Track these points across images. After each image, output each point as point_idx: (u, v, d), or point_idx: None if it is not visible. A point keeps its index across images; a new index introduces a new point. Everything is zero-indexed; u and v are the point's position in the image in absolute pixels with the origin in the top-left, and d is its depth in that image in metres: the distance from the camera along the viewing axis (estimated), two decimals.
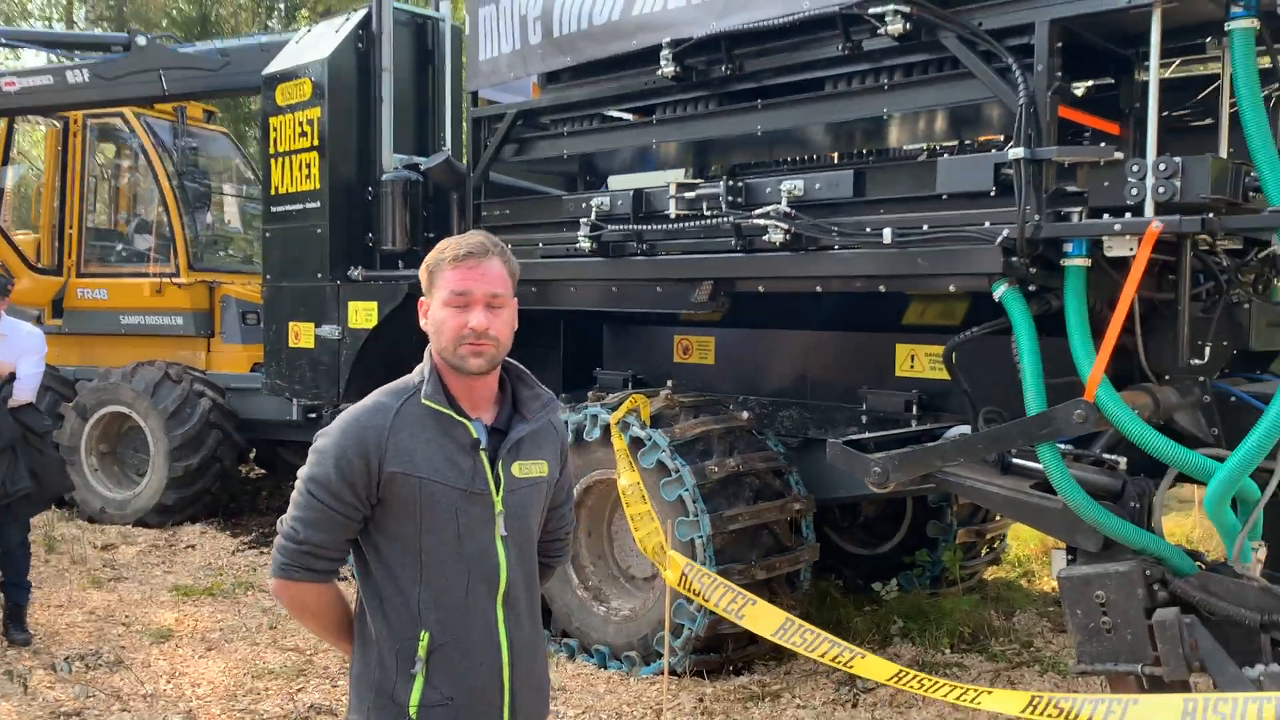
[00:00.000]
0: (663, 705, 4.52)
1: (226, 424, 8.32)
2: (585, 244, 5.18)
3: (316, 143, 6.85)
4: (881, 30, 4.11)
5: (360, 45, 6.88)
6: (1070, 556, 4.09)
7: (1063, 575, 3.98)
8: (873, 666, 3.06)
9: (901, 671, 3.04)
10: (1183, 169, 3.55)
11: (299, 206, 6.98)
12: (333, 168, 6.81)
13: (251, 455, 10.11)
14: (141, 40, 8.16)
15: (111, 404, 8.33)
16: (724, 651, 4.99)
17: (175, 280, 8.86)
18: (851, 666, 3.13)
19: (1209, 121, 4.43)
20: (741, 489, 4.95)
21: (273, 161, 7.17)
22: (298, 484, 2.11)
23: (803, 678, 4.97)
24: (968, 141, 4.84)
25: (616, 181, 5.88)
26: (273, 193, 7.19)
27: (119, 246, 9.49)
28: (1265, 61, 3.85)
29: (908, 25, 4.05)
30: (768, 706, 4.59)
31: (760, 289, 4.85)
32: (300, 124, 6.94)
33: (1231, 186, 3.66)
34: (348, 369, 6.78)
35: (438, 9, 7.31)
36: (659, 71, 4.84)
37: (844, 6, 4.20)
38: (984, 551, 6.72)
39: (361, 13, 6.97)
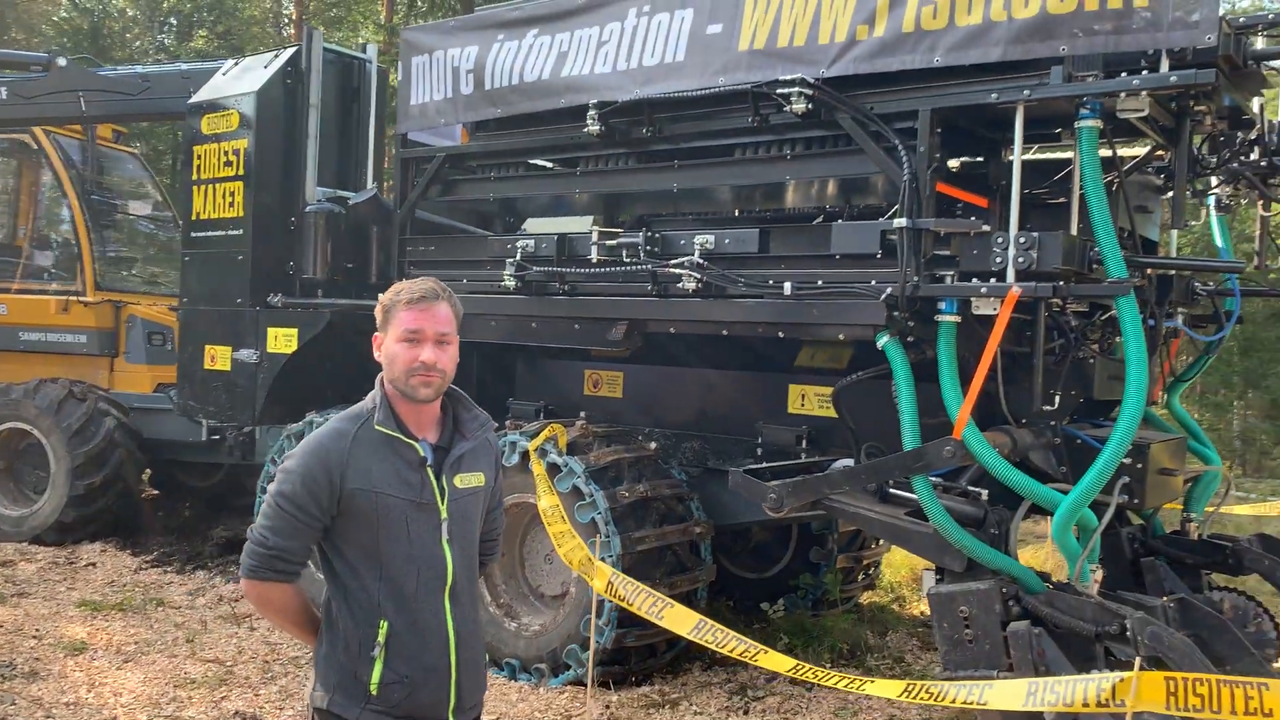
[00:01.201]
0: (589, 708, 4.90)
1: (130, 443, 8.36)
2: (510, 282, 5.58)
3: (242, 172, 7.09)
4: (786, 107, 4.65)
5: (289, 81, 7.16)
6: (939, 576, 4.64)
7: (932, 592, 4.53)
8: (774, 660, 3.53)
9: (798, 665, 3.52)
10: (1039, 242, 4.17)
11: (221, 233, 7.19)
12: (257, 197, 7.06)
13: (146, 476, 10.09)
14: (62, 61, 8.25)
15: (11, 420, 8.29)
16: (628, 664, 5.40)
17: (81, 299, 8.88)
18: (757, 660, 3.59)
19: (1063, 200, 5.10)
20: (649, 513, 5.39)
21: (195, 188, 7.37)
22: (267, 498, 2.45)
23: (698, 688, 5.41)
24: (857, 206, 5.42)
25: (533, 224, 6.32)
26: (194, 218, 7.38)
27: (23, 262, 9.43)
28: (1107, 151, 4.53)
29: (809, 105, 4.61)
30: (668, 712, 5.02)
31: (671, 330, 5.33)
32: (226, 153, 7.17)
33: (1079, 258, 4.30)
34: (264, 392, 7.00)
35: (364, 51, 7.64)
36: (585, 129, 5.29)
37: (754, 85, 4.74)
38: (861, 576, 7.31)
39: (291, 50, 7.26)
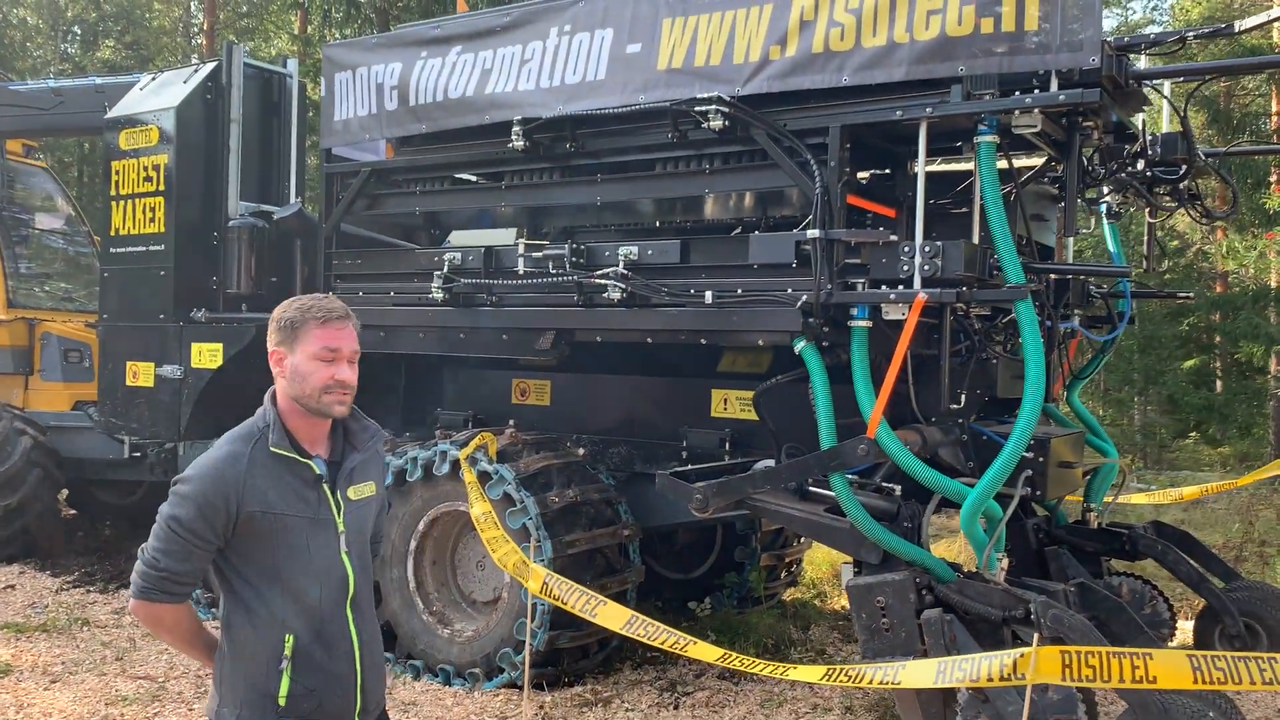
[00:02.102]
0: (524, 709, 5.02)
1: (47, 462, 8.24)
2: (438, 294, 5.68)
3: (162, 187, 7.06)
4: (704, 124, 4.85)
5: (209, 96, 7.16)
6: (856, 569, 4.87)
7: (850, 584, 4.75)
8: (703, 650, 3.71)
9: (726, 654, 3.70)
10: (943, 251, 4.43)
11: (142, 248, 7.16)
12: (179, 212, 7.04)
13: (63, 495, 9.91)
14: None
15: None
16: (561, 665, 5.53)
17: None
18: (687, 650, 3.76)
19: (965, 210, 5.38)
20: (579, 517, 5.54)
21: (114, 204, 7.32)
22: (159, 520, 2.46)
23: (629, 686, 5.57)
24: (773, 218, 5.65)
25: (458, 237, 6.41)
26: (113, 233, 7.32)
27: None
28: (1005, 163, 4.82)
29: (726, 122, 4.81)
30: (600, 710, 5.17)
31: (598, 339, 5.49)
32: (145, 169, 7.14)
33: (980, 265, 4.57)
34: (189, 408, 6.98)
35: (285, 65, 7.66)
36: (510, 144, 5.43)
37: (673, 102, 4.93)
38: (784, 574, 7.55)
39: (210, 65, 7.26)
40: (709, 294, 4.92)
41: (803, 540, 7.74)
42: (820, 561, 8.28)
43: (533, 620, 5.26)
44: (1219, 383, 20.58)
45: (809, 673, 3.63)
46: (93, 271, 9.95)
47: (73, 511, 10.07)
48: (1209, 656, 2.87)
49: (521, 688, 5.36)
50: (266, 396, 2.58)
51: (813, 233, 4.58)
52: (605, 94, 5.17)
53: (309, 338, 2.49)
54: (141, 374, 7.21)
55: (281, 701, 2.46)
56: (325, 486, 2.55)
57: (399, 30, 6.36)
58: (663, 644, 3.78)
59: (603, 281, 5.12)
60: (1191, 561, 5.83)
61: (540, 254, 5.41)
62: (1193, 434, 20.59)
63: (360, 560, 2.61)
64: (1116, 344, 6.44)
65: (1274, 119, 16.28)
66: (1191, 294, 6.84)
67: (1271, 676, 2.81)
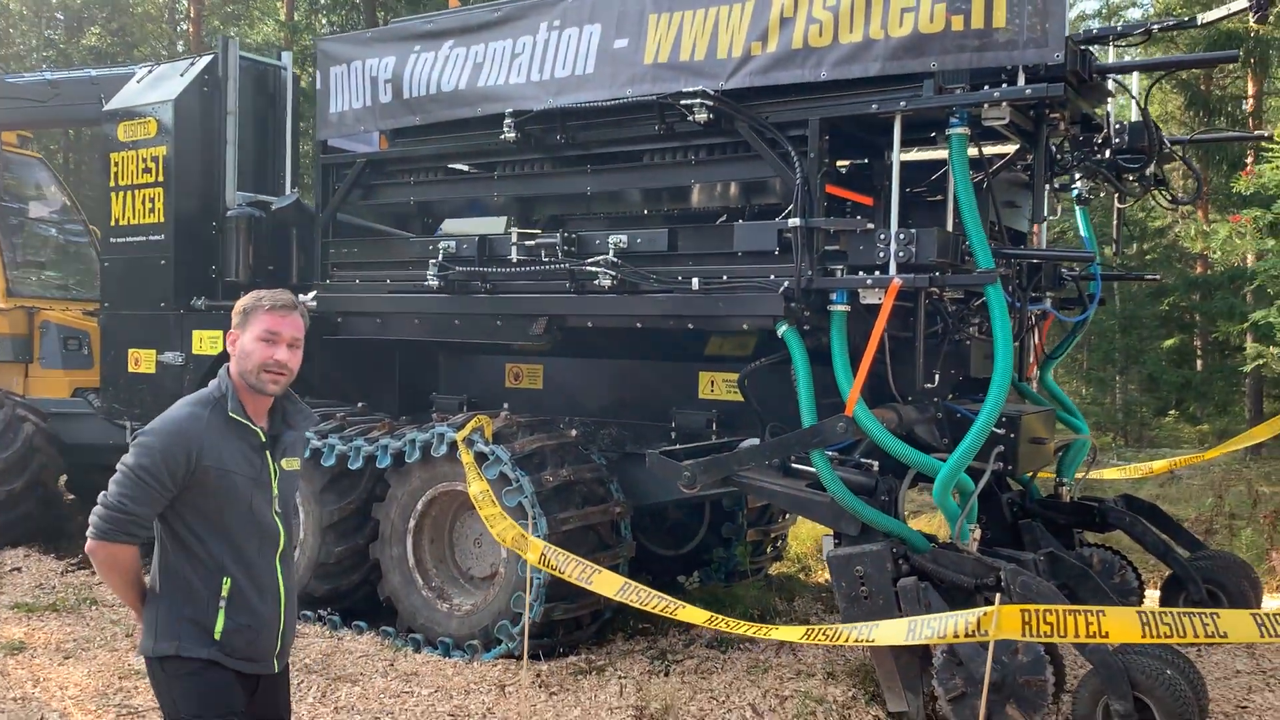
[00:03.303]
0: (521, 677, 5.26)
1: (49, 448, 8.41)
2: (434, 282, 5.88)
3: (161, 178, 7.24)
4: (690, 117, 5.06)
5: (206, 89, 7.33)
6: (837, 540, 5.12)
7: (830, 555, 4.99)
8: (691, 613, 3.94)
9: (713, 616, 3.93)
10: (917, 238, 4.66)
11: (142, 238, 7.33)
12: (178, 203, 7.22)
13: (61, 481, 10.08)
14: None
15: None
16: (556, 636, 5.77)
17: None
18: (676, 614, 4.00)
19: (939, 198, 5.60)
20: (572, 496, 5.76)
21: (113, 194, 7.49)
22: (122, 468, 2.76)
23: (621, 655, 5.82)
24: (756, 206, 5.86)
25: (450, 225, 6.60)
26: (113, 224, 7.50)
27: None
28: (975, 151, 5.04)
29: (711, 115, 5.02)
30: (595, 678, 5.41)
31: (589, 324, 5.71)
32: (145, 160, 7.31)
33: (953, 251, 4.81)
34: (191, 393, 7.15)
35: (279, 58, 7.83)
36: (501, 136, 5.62)
37: (660, 96, 5.14)
38: (769, 549, 7.81)
39: (207, 58, 7.42)
40: (696, 280, 5.14)
41: (787, 516, 8.00)
42: (804, 537, 8.53)
43: (529, 593, 5.50)
44: (1199, 361, 20.93)
45: (790, 632, 3.88)
46: (88, 260, 10.11)
47: (71, 496, 10.25)
48: (1156, 613, 3.12)
49: (519, 658, 5.60)
50: (221, 370, 2.92)
51: (794, 222, 4.81)
52: (594, 87, 5.37)
53: (257, 322, 2.85)
54: (143, 361, 7.40)
55: (217, 636, 2.79)
56: (268, 454, 2.90)
57: (392, 25, 6.55)
58: (654, 608, 4.01)
59: (594, 269, 5.33)
60: (1158, 532, 6.10)
61: (533, 242, 5.61)
62: (1172, 412, 20.95)
63: (288, 522, 2.98)
64: (1088, 324, 6.68)
65: (1250, 101, 16.55)
66: (1160, 275, 7.08)
67: (1213, 630, 3.06)
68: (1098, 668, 4.39)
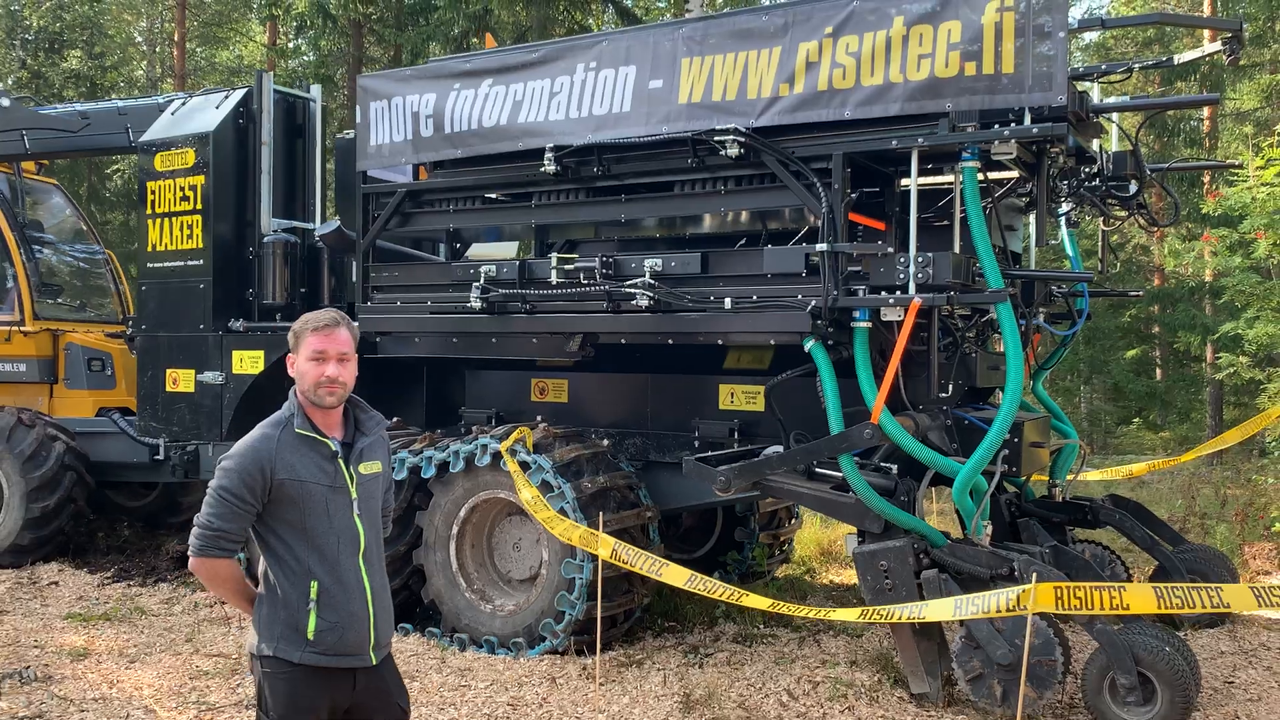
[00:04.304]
0: (569, 670, 5.66)
1: (79, 466, 8.69)
2: (476, 303, 6.29)
3: (200, 206, 7.60)
4: (723, 151, 5.53)
5: (241, 121, 7.70)
6: (860, 538, 5.58)
7: (856, 552, 5.45)
8: (755, 600, 4.39)
9: (775, 603, 4.37)
10: (933, 261, 5.15)
11: (180, 263, 7.68)
12: (216, 229, 7.58)
13: None
14: (5, 101, 8.54)
15: None
16: (593, 633, 6.17)
17: (21, 328, 9.15)
18: (741, 601, 4.44)
19: (946, 223, 6.11)
20: (608, 501, 6.18)
21: (150, 221, 7.83)
22: (210, 492, 3.03)
23: (655, 650, 6.24)
24: (778, 231, 6.33)
25: (477, 250, 7.02)
26: (150, 249, 7.84)
27: None
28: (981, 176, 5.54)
29: (741, 150, 5.50)
30: (636, 670, 5.83)
31: (623, 341, 6.15)
32: (182, 189, 7.66)
33: (964, 273, 5.31)
34: (231, 410, 7.52)
35: (308, 91, 8.22)
36: (542, 168, 6.05)
37: (695, 133, 5.60)
38: (777, 552, 8.27)
39: (241, 91, 7.81)
40: (728, 300, 5.59)
41: (793, 521, 8.48)
42: (808, 541, 9.01)
43: (572, 593, 5.92)
44: (1159, 371, 21.73)
45: (847, 613, 4.33)
46: (104, 284, 10.41)
47: (92, 515, 10.49)
48: (1169, 587, 3.60)
49: (562, 653, 6.02)
50: (290, 391, 3.22)
51: (821, 246, 5.28)
52: (631, 124, 5.82)
53: (305, 345, 3.11)
54: (182, 380, 7.73)
55: (310, 635, 3.04)
56: (340, 461, 3.12)
57: (430, 63, 6.98)
58: (720, 595, 4.45)
59: (632, 290, 5.77)
60: (1145, 529, 6.63)
61: (571, 266, 6.04)
62: (1135, 420, 21.74)
63: (370, 524, 3.19)
64: (1076, 337, 7.22)
65: (1206, 122, 17.35)
66: (1141, 291, 7.65)
67: (1217, 601, 3.55)
68: (1104, 646, 4.88)
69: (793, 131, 5.50)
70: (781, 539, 8.25)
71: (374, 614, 3.16)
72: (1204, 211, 10.64)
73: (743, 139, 5.46)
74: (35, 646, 6.33)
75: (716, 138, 5.52)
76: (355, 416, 3.27)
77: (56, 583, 8.05)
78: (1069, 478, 6.98)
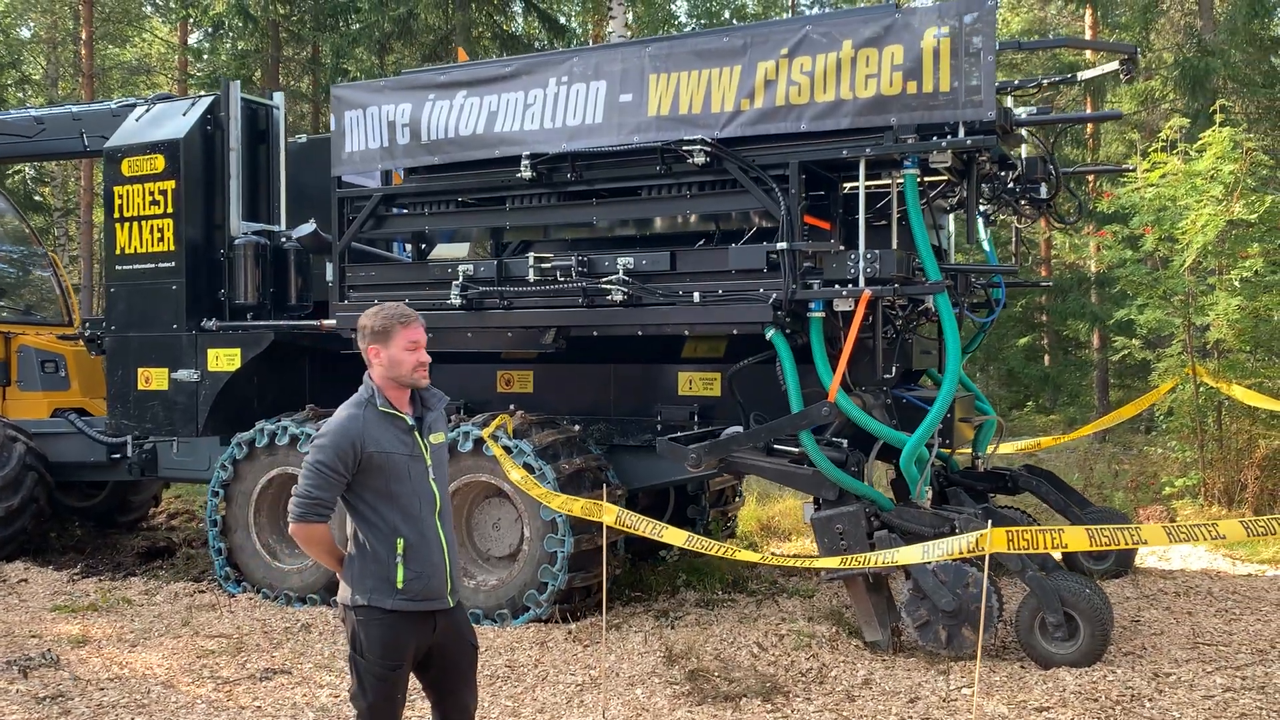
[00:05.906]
0: (555, 634, 6.18)
1: (40, 466, 8.83)
2: (456, 301, 6.75)
3: (170, 210, 7.86)
4: (689, 160, 6.11)
5: (209, 128, 7.98)
6: (816, 505, 6.23)
7: (814, 517, 6.09)
8: (748, 555, 5.00)
9: (766, 554, 4.98)
10: (880, 257, 5.82)
11: (151, 265, 7.92)
12: (187, 232, 7.84)
13: None
14: None
15: None
16: (573, 601, 6.71)
17: None
18: (735, 555, 5.04)
19: (884, 222, 6.78)
20: (584, 481, 6.71)
21: (118, 225, 8.05)
22: (306, 465, 3.52)
23: (630, 616, 6.80)
24: (731, 230, 6.94)
25: (441, 250, 7.49)
26: (119, 252, 8.05)
27: None
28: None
29: (706, 158, 6.08)
30: (615, 633, 6.37)
31: (595, 333, 6.68)
32: (152, 193, 7.91)
33: (905, 268, 6.00)
34: (207, 407, 7.80)
35: (271, 98, 8.52)
36: (517, 175, 6.54)
37: (664, 143, 6.17)
38: (724, 528, 8.90)
39: (208, 99, 8.08)
40: (696, 294, 6.18)
41: (738, 499, 9.13)
42: (748, 517, 9.67)
43: (554, 565, 6.45)
44: (1047, 357, 23.12)
45: (829, 561, 4.97)
46: (47, 287, 10.49)
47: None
48: (1098, 528, 4.30)
49: (545, 621, 6.53)
50: (365, 376, 3.65)
51: (781, 245, 5.90)
52: (602, 134, 6.35)
53: (399, 337, 3.54)
54: (154, 379, 7.97)
55: (400, 585, 3.46)
56: (417, 434, 3.58)
57: (404, 75, 7.38)
58: (717, 553, 5.04)
59: (607, 285, 6.31)
60: (1059, 493, 7.46)
61: (548, 265, 6.55)
62: (1028, 404, 23.09)
63: (441, 485, 3.64)
64: (993, 324, 8.01)
65: (1090, 125, 18.61)
66: (1052, 282, 8.51)
67: (1137, 539, 4.27)
68: (1035, 590, 5.62)
69: (753, 142, 6.10)
70: (729, 514, 8.89)
71: (450, 563, 3.63)
72: (1096, 209, 11.66)
73: (708, 149, 6.05)
74: (32, 636, 6.56)
75: (684, 147, 6.09)
76: (419, 395, 3.72)
77: (26, 580, 8.20)
78: (989, 450, 7.77)
